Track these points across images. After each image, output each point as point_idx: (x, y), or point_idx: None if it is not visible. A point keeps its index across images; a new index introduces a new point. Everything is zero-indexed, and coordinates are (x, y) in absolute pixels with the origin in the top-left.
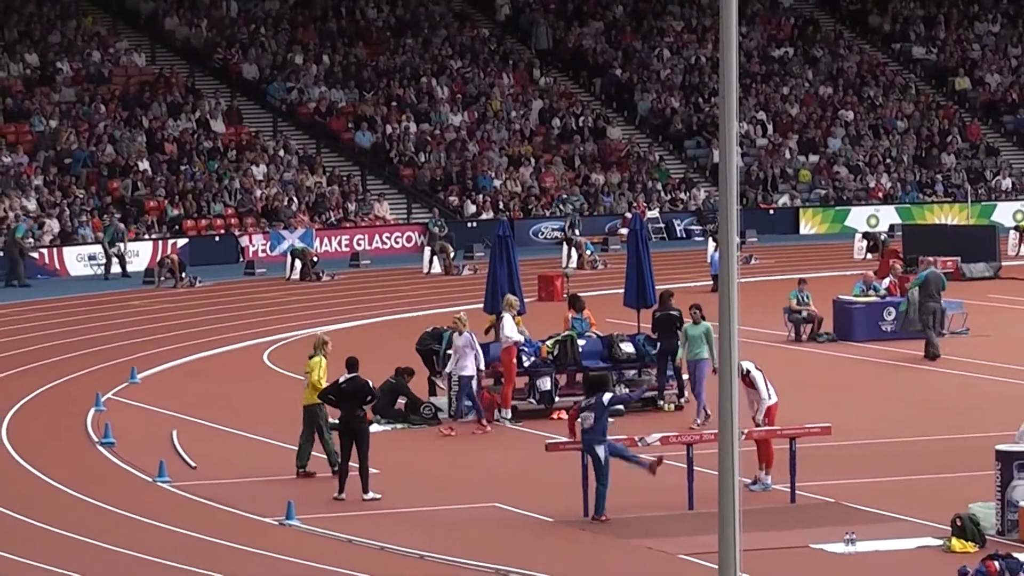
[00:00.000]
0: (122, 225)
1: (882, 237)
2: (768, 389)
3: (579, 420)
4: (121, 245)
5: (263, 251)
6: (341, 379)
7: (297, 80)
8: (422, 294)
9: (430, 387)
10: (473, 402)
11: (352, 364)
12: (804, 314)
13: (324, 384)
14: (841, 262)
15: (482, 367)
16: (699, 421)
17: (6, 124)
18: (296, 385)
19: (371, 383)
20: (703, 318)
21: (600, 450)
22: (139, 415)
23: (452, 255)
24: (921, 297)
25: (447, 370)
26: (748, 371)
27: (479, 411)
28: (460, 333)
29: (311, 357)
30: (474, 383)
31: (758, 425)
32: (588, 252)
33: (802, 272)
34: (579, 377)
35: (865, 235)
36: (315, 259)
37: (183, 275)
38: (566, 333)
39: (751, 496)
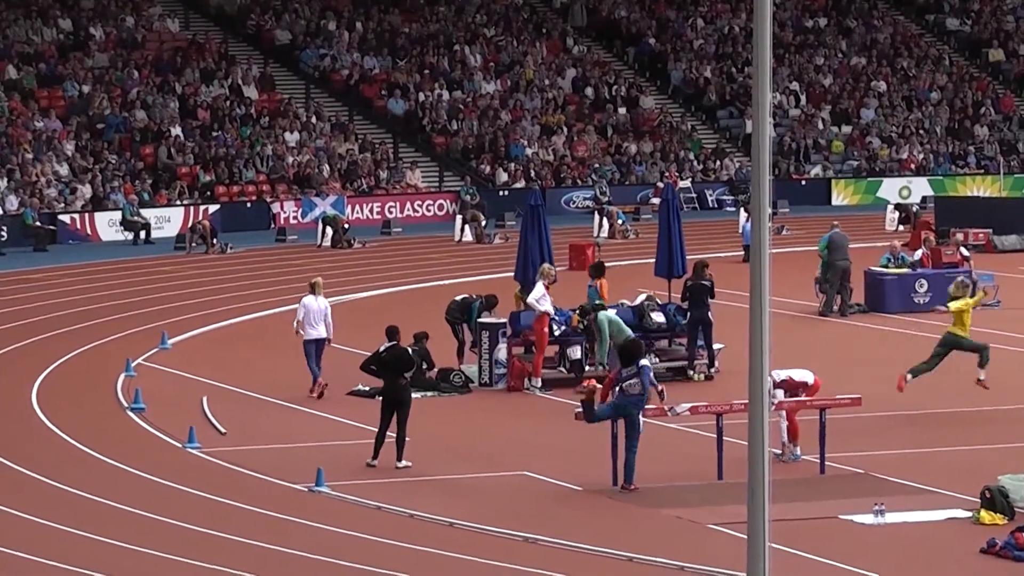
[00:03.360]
0: (134, 197)
1: (914, 209)
2: (805, 376)
3: (625, 385)
4: (137, 217)
5: (294, 218)
6: (381, 348)
7: (330, 47)
8: (453, 262)
9: (459, 355)
10: None
11: (392, 333)
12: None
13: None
14: (873, 233)
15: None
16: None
17: (39, 89)
18: (326, 351)
19: (410, 351)
20: (653, 300)
21: (640, 418)
22: (169, 381)
23: (484, 223)
24: (831, 257)
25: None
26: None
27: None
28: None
29: None
30: None
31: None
32: (620, 221)
33: None
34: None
35: (897, 207)
36: (346, 226)
37: (215, 241)
38: (597, 302)
39: (780, 467)
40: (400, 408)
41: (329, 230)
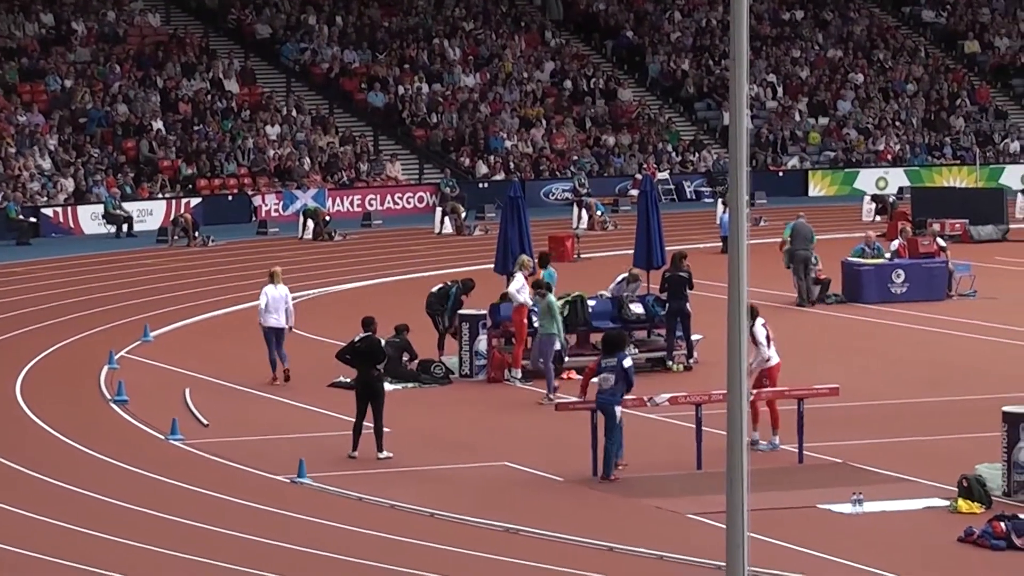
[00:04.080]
0: (116, 191)
1: (891, 199)
2: (770, 349)
3: (598, 379)
4: (119, 210)
5: (276, 211)
6: (356, 338)
7: (310, 41)
8: (433, 254)
9: (439, 347)
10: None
11: (368, 323)
12: (812, 276)
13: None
14: (850, 224)
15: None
16: (550, 396)
17: (22, 84)
18: (306, 344)
19: (383, 342)
20: (549, 291)
21: (617, 411)
22: (152, 373)
23: (463, 215)
24: (792, 246)
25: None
26: (751, 326)
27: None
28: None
29: None
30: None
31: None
32: (599, 212)
33: None
34: (591, 338)
35: (874, 198)
36: (327, 218)
37: (196, 234)
38: (576, 294)
39: (759, 456)
40: (374, 399)
41: (310, 223)
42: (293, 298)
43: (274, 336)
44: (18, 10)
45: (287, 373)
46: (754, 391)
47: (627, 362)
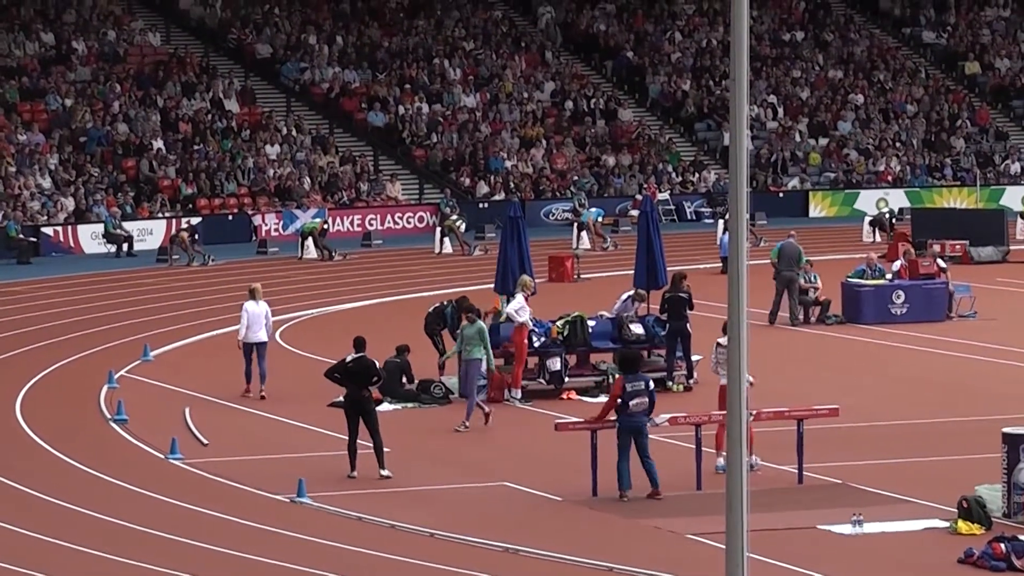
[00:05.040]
0: (116, 210)
1: (885, 214)
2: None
3: (632, 404)
4: (119, 230)
5: (276, 230)
6: (348, 358)
7: (310, 60)
8: (433, 274)
9: (440, 367)
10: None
11: (359, 344)
12: (812, 296)
13: None
14: (850, 245)
15: None
16: (466, 424)
17: (22, 103)
18: (306, 363)
19: (377, 363)
20: (479, 317)
21: (648, 429)
22: (152, 392)
23: (462, 227)
24: (778, 267)
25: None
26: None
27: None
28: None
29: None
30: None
31: None
32: (598, 220)
33: (811, 255)
34: (592, 358)
35: (871, 222)
36: (325, 227)
37: (196, 247)
38: (576, 314)
39: (758, 477)
40: (366, 416)
41: (310, 243)
42: (294, 319)
43: (254, 350)
44: (18, 29)
45: (260, 393)
46: (754, 412)
47: (651, 383)
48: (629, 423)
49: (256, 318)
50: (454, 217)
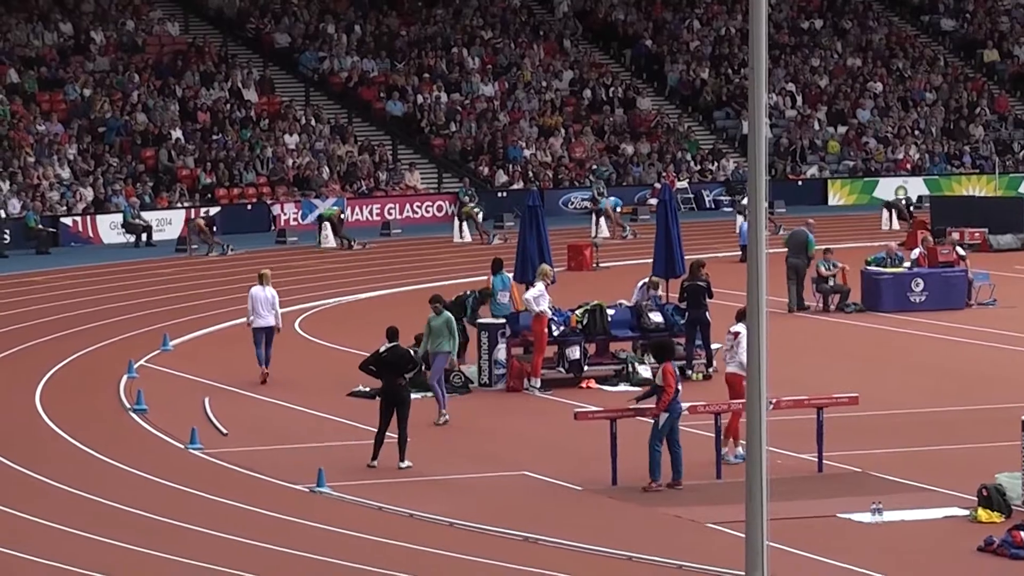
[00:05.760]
0: (135, 200)
1: (901, 200)
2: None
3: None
4: (138, 220)
5: (295, 220)
6: (382, 348)
7: (329, 50)
8: (452, 263)
9: (457, 355)
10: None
11: (392, 334)
12: (831, 283)
13: None
14: (869, 233)
15: None
16: (444, 414)
17: (41, 93)
18: (325, 352)
19: (412, 352)
20: (445, 308)
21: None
22: (171, 382)
23: (478, 211)
24: (787, 253)
25: None
26: (738, 332)
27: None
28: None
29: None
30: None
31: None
32: (616, 209)
33: (830, 243)
34: (611, 347)
35: (886, 205)
36: (342, 216)
37: (215, 235)
38: (595, 303)
39: (778, 466)
40: (400, 407)
41: (328, 229)
42: (314, 308)
43: (263, 336)
44: (37, 19)
45: (265, 376)
46: (773, 400)
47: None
48: (678, 408)
49: (262, 303)
50: (472, 204)
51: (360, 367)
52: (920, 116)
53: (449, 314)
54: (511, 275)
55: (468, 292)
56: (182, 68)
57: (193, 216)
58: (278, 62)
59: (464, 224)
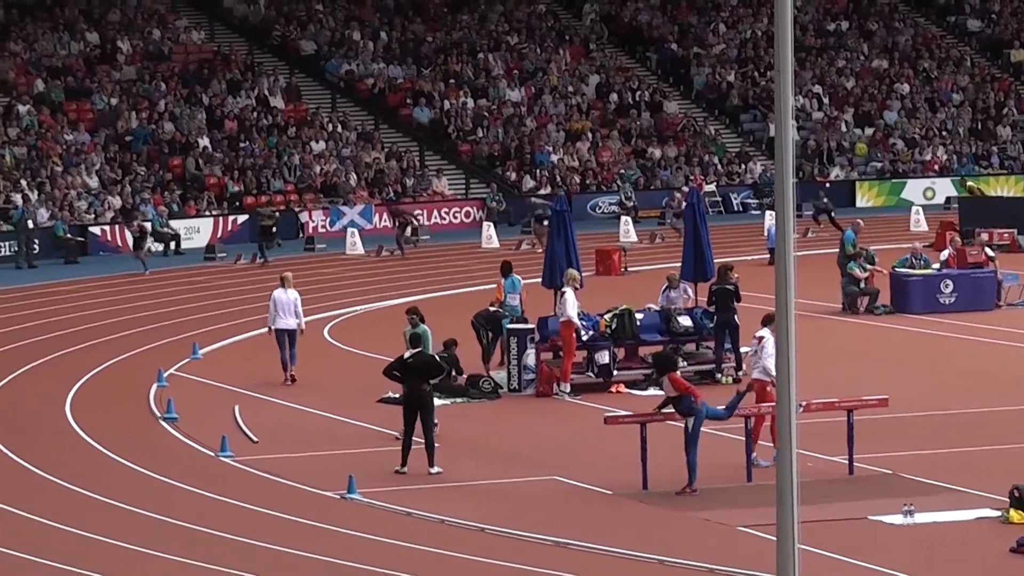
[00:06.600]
0: (163, 209)
1: (826, 201)
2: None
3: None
4: (167, 228)
5: (323, 227)
6: (407, 354)
7: (355, 56)
8: (480, 268)
9: (483, 360)
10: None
11: (416, 339)
12: (862, 286)
13: None
14: (897, 235)
15: None
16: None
17: (68, 102)
18: (354, 359)
19: (436, 358)
20: (421, 321)
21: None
22: (201, 390)
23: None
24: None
25: None
26: (763, 337)
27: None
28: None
29: None
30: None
31: None
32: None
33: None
34: (640, 351)
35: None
36: (416, 220)
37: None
38: (623, 307)
39: (809, 468)
40: (423, 411)
41: (356, 236)
42: (343, 315)
43: (286, 338)
44: (63, 29)
45: (293, 377)
46: (803, 403)
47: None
48: (703, 412)
49: (283, 305)
50: (494, 205)
51: (384, 372)
52: (947, 117)
53: (425, 327)
54: (520, 277)
55: (506, 314)
56: (208, 76)
57: (224, 229)
58: (304, 69)
59: (493, 225)
